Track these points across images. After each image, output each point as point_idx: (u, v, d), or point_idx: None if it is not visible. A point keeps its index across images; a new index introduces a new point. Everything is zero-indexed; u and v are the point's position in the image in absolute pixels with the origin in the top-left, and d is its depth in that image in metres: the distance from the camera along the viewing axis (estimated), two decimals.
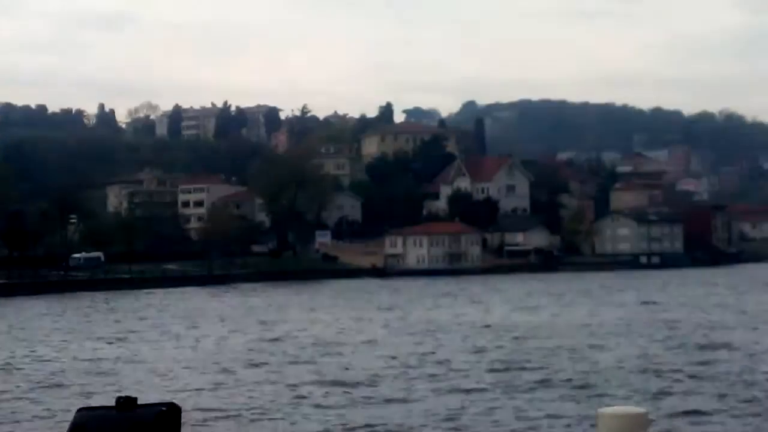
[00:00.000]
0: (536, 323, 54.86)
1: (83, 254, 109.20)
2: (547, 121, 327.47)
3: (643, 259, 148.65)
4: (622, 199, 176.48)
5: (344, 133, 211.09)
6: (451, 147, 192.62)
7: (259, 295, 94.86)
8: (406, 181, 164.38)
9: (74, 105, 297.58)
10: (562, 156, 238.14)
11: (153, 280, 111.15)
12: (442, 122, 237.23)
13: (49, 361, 40.16)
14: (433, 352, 40.67)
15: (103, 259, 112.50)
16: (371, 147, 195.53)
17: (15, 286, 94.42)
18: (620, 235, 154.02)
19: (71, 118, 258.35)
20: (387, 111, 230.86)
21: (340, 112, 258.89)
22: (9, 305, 79.68)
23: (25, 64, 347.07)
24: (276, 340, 47.76)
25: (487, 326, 53.45)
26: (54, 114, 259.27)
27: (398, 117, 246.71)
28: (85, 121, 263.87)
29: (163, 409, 3.28)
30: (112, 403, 3.38)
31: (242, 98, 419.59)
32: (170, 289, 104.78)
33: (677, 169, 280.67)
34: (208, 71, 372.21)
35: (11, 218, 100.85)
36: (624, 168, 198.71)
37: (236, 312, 70.39)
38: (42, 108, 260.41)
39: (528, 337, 47.05)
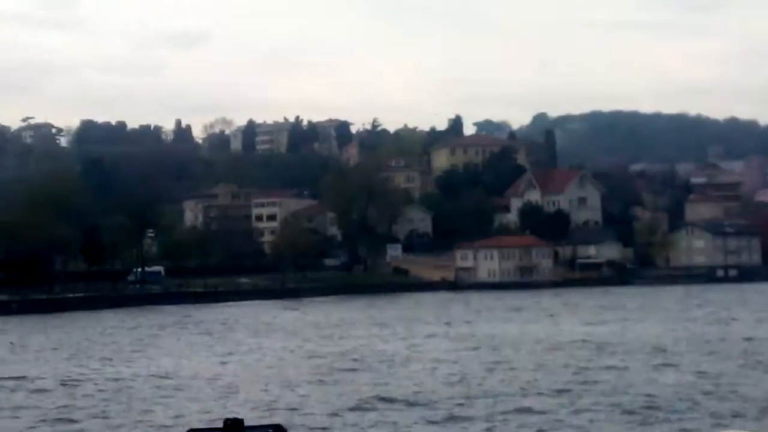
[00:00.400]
0: (608, 339, 54.52)
1: (142, 269, 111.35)
2: (619, 133, 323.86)
3: (720, 273, 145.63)
4: (697, 210, 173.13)
5: (414, 146, 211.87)
6: (521, 159, 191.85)
7: (331, 309, 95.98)
8: (475, 194, 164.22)
9: (152, 121, 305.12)
10: (635, 167, 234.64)
11: (226, 293, 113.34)
12: (512, 134, 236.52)
13: (118, 379, 41.60)
14: (494, 367, 40.95)
15: (163, 273, 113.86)
16: (441, 160, 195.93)
17: (92, 299, 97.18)
18: (695, 247, 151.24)
19: (149, 134, 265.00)
20: (456, 124, 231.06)
21: (411, 126, 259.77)
22: (86, 318, 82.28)
23: (105, 82, 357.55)
24: (343, 355, 48.54)
25: (556, 342, 53.38)
26: (133, 130, 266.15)
27: (469, 130, 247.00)
28: (163, 137, 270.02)
29: (270, 431, 3.43)
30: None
31: (314, 113, 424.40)
32: (243, 303, 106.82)
33: (754, 180, 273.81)
34: (281, 87, 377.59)
35: (88, 232, 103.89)
36: (698, 179, 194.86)
37: (306, 326, 71.35)
38: (121, 125, 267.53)
39: (599, 352, 46.95)
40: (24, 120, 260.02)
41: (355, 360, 46.14)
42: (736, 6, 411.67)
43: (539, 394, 33.56)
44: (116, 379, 39.95)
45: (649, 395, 32.51)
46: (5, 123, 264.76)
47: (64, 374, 41.89)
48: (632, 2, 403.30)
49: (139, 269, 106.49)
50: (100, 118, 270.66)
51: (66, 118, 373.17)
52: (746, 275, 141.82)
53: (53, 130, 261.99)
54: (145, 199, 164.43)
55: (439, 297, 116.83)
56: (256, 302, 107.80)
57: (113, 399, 34.36)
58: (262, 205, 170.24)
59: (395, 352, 49.55)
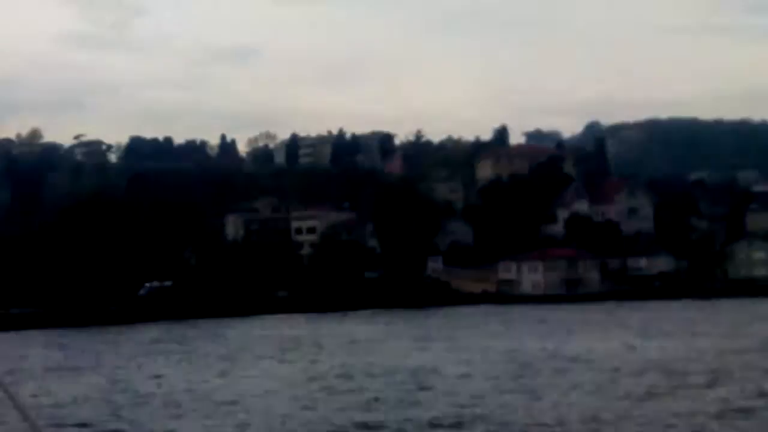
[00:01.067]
0: (659, 356, 49.69)
1: (154, 283, 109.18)
2: (678, 140, 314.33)
3: None
4: (758, 221, 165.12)
5: (458, 157, 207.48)
6: (568, 169, 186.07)
7: (367, 323, 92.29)
8: (520, 205, 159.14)
9: (199, 137, 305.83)
10: (696, 176, 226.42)
11: (263, 306, 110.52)
12: (560, 144, 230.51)
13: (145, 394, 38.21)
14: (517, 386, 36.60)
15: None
16: (485, 170, 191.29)
17: (119, 314, 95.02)
18: (756, 259, 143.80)
19: (195, 149, 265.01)
20: (502, 134, 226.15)
21: (458, 137, 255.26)
22: (121, 333, 79.98)
23: (156, 99, 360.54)
24: (369, 369, 44.52)
25: (590, 359, 48.72)
26: (179, 146, 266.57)
27: (519, 140, 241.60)
28: (209, 151, 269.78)
29: None
30: None
31: (360, 125, 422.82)
32: (279, 316, 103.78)
33: None
34: (328, 101, 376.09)
35: (127, 246, 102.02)
36: (761, 187, 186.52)
37: (337, 341, 67.71)
38: (168, 140, 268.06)
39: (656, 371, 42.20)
40: (76, 137, 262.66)
41: (380, 375, 42.06)
42: None
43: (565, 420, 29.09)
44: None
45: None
46: (59, 141, 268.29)
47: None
48: (692, 6, 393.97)
49: (148, 284, 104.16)
50: (149, 134, 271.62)
51: (117, 135, 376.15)
52: None
53: (103, 147, 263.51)
54: (184, 213, 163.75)
55: (480, 311, 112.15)
56: (292, 316, 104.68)
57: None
58: (302, 219, 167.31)
59: (426, 366, 45.33)
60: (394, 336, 71.99)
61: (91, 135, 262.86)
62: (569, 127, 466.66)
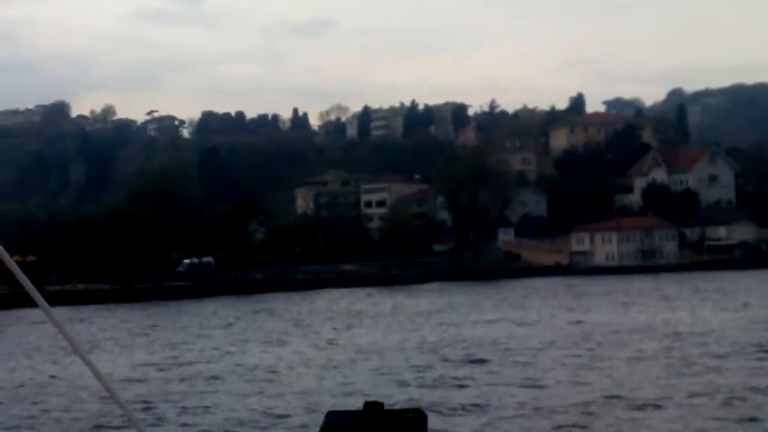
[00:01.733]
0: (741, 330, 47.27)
1: (193, 259, 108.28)
2: (763, 107, 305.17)
3: None
4: None
5: (531, 126, 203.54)
6: (647, 137, 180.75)
7: (432, 295, 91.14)
8: (596, 175, 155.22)
9: (271, 110, 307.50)
10: None
11: (328, 280, 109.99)
12: (638, 111, 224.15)
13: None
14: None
15: (213, 264, 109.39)
16: (560, 140, 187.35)
17: (192, 288, 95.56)
18: None
19: (267, 123, 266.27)
20: (578, 102, 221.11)
21: (533, 107, 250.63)
22: (188, 306, 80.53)
23: (231, 74, 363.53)
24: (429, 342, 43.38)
25: (677, 333, 46.51)
26: (252, 120, 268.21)
27: (599, 109, 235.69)
28: (281, 125, 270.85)
29: (410, 415, 3.29)
30: None
31: (434, 96, 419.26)
32: (344, 290, 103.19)
33: None
34: (404, 72, 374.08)
35: (190, 221, 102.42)
36: None
37: (397, 313, 66.64)
38: (240, 115, 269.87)
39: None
40: (148, 113, 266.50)
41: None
42: None
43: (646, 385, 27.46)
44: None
45: None
46: (132, 117, 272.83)
47: None
48: None
49: (188, 260, 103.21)
50: (222, 109, 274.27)
51: (191, 111, 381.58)
52: None
53: (176, 122, 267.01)
54: (252, 187, 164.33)
55: (553, 282, 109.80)
56: (358, 289, 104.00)
57: None
58: (371, 191, 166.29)
59: (498, 339, 43.95)
60: (453, 308, 70.63)
61: (164, 111, 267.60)
62: (651, 95, 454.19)
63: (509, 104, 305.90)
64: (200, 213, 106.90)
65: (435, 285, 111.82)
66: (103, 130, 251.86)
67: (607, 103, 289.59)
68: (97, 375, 3.20)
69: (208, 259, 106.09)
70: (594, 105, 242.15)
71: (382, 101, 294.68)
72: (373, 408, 3.24)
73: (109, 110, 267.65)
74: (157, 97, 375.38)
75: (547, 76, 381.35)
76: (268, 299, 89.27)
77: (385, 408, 3.26)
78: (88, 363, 3.16)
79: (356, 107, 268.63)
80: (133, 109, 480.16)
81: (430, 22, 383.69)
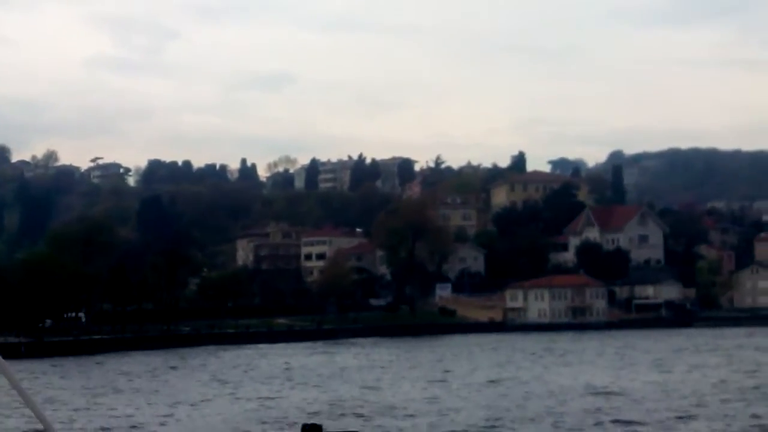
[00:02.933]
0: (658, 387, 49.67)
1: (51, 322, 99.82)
2: (697, 170, 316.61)
3: None
4: (767, 250, 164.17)
5: (473, 183, 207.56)
6: (583, 196, 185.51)
7: (360, 352, 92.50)
8: (532, 232, 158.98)
9: (221, 161, 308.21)
10: (713, 205, 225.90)
11: (259, 335, 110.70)
12: (576, 171, 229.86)
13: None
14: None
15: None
16: (500, 197, 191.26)
17: (120, 341, 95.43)
18: (762, 287, 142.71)
19: (215, 173, 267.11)
20: (519, 160, 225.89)
21: (477, 164, 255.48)
22: (107, 360, 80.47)
23: (185, 123, 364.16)
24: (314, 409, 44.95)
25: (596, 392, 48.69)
26: (199, 169, 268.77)
27: (544, 168, 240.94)
28: (229, 176, 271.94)
29: None
30: None
31: (385, 152, 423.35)
32: (275, 345, 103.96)
33: None
34: (358, 127, 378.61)
35: (113, 271, 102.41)
36: None
37: (318, 372, 67.58)
38: (187, 164, 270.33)
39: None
40: (93, 160, 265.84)
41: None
42: None
43: None
44: None
45: None
46: (76, 164, 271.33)
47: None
48: (712, 40, 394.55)
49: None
50: (173, 158, 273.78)
51: (140, 159, 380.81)
52: None
53: (121, 170, 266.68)
54: (190, 237, 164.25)
55: (484, 339, 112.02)
56: (290, 345, 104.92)
57: None
58: (312, 244, 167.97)
59: (391, 403, 45.58)
60: (375, 366, 72.28)
61: (116, 159, 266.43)
62: (595, 156, 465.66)
63: (459, 161, 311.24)
64: (126, 263, 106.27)
65: (370, 340, 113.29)
66: (44, 176, 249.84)
67: (552, 163, 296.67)
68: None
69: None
70: (540, 164, 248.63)
71: (334, 154, 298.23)
72: (311, 430, 3.13)
73: (51, 156, 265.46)
74: (111, 145, 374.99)
75: (500, 134, 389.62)
76: (190, 354, 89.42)
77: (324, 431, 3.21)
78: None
79: (306, 159, 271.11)
80: (80, 157, 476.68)
81: (392, 79, 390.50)
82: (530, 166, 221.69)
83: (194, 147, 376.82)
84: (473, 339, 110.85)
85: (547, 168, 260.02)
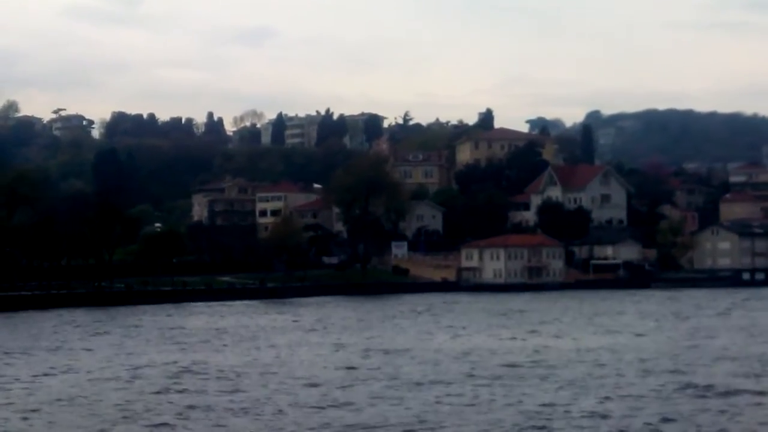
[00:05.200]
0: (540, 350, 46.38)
1: None
2: (673, 131, 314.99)
3: (746, 276, 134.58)
4: (732, 210, 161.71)
5: (438, 140, 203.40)
6: (550, 156, 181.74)
7: (293, 311, 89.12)
8: (491, 190, 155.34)
9: (194, 116, 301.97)
10: (691, 166, 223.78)
11: (196, 293, 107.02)
12: (544, 129, 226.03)
13: None
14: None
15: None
16: (464, 154, 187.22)
17: (45, 298, 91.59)
18: (721, 249, 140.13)
19: (181, 127, 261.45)
20: (487, 117, 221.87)
21: (446, 121, 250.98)
22: (31, 318, 77.03)
23: (162, 77, 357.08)
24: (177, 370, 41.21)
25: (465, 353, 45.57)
26: (164, 123, 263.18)
27: (522, 127, 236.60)
28: (195, 129, 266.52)
29: None
30: None
31: (358, 108, 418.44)
32: (216, 303, 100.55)
33: None
34: (336, 84, 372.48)
35: (40, 226, 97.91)
36: (737, 178, 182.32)
37: (210, 332, 63.69)
38: (152, 117, 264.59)
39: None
40: (55, 112, 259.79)
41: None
42: None
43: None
44: None
45: None
46: (38, 115, 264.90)
47: None
48: (697, 3, 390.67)
49: None
50: (143, 112, 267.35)
51: (105, 112, 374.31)
52: None
53: (84, 123, 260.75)
54: (137, 192, 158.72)
55: (436, 298, 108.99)
56: (229, 303, 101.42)
57: None
58: (267, 200, 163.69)
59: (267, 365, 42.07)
60: (298, 327, 68.86)
61: (84, 112, 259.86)
62: (575, 116, 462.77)
63: (425, 118, 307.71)
64: (50, 216, 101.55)
65: (317, 299, 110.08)
66: (2, 127, 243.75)
67: (530, 122, 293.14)
68: None
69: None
70: (518, 124, 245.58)
71: (308, 111, 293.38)
72: None
73: (11, 107, 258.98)
74: (86, 98, 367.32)
75: (482, 94, 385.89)
76: (119, 313, 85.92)
77: None
78: None
79: (270, 114, 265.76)
80: (49, 109, 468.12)
81: (375, 36, 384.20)
82: (510, 126, 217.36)
83: (169, 101, 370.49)
84: (421, 299, 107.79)
85: (525, 128, 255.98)
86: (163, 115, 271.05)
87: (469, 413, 29.19)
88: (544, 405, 30.26)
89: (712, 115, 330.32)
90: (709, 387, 33.91)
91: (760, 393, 32.69)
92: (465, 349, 49.51)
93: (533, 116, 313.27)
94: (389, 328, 66.50)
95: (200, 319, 78.00)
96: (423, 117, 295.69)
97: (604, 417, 28.35)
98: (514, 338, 55.89)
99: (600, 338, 55.46)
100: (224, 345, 53.75)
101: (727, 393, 32.63)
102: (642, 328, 63.32)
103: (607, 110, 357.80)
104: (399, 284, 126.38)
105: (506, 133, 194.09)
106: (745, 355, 44.99)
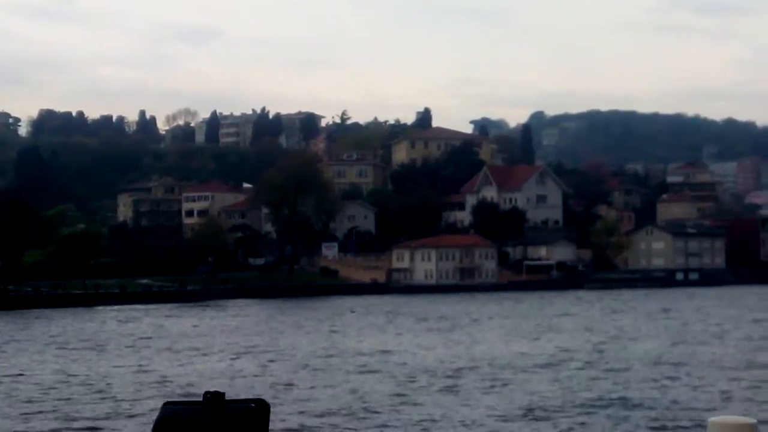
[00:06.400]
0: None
1: None
2: (615, 132, 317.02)
3: (680, 276, 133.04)
4: (669, 211, 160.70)
5: (373, 139, 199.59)
6: (487, 156, 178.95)
7: (209, 315, 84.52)
8: (425, 190, 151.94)
9: (116, 113, 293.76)
10: (634, 167, 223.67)
11: (109, 296, 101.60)
12: (483, 129, 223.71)
13: None
14: None
15: None
16: (400, 154, 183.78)
17: None
18: (655, 249, 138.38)
19: (111, 125, 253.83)
20: (425, 117, 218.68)
21: (384, 120, 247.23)
22: None
23: (98, 76, 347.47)
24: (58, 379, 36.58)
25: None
26: (94, 121, 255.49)
27: (466, 128, 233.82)
28: (126, 128, 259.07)
29: (252, 405, 3.15)
30: None
31: (318, 109, 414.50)
32: (125, 307, 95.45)
33: (747, 181, 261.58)
34: (282, 84, 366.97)
35: None
36: (675, 178, 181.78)
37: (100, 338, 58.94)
38: (81, 115, 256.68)
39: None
40: None
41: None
42: (745, 12, 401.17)
43: None
44: None
45: None
46: None
47: None
48: (645, 6, 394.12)
49: None
50: (64, 109, 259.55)
51: (34, 110, 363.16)
52: (708, 278, 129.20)
53: (9, 120, 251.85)
54: (59, 192, 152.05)
55: (361, 301, 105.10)
56: (149, 307, 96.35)
57: None
58: (193, 200, 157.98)
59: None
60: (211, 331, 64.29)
61: (16, 111, 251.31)
62: (516, 117, 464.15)
63: (363, 118, 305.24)
64: None
65: (239, 302, 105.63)
66: None
67: (475, 123, 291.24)
68: None
69: None
70: (462, 125, 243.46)
71: (245, 110, 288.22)
72: (213, 398, 3.07)
73: None
74: (22, 96, 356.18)
75: (431, 95, 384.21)
76: (23, 317, 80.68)
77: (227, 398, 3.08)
78: None
79: (204, 113, 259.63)
80: None
81: (323, 36, 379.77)
82: (454, 127, 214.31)
83: (104, 100, 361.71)
84: (346, 302, 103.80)
85: (469, 128, 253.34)
86: (95, 114, 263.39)
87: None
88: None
89: (655, 117, 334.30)
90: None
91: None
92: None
93: (479, 117, 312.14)
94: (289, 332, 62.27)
95: (90, 324, 72.95)
96: (367, 117, 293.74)
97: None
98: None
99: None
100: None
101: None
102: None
103: (552, 111, 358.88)
104: (326, 286, 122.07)
105: (443, 133, 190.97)
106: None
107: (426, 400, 30.28)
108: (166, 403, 3.16)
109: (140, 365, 42.18)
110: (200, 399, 3.09)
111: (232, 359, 44.59)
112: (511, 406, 28.66)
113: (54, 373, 39.54)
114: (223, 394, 3.06)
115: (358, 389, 32.94)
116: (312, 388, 33.62)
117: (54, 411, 29.25)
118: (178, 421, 3.08)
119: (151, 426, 3.08)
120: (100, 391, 33.38)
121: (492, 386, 33.50)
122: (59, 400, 31.65)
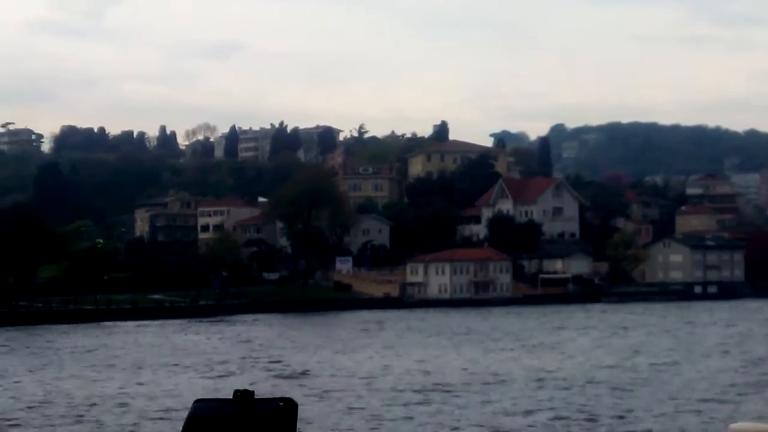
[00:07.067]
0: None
1: None
2: (636, 144, 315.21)
3: (698, 289, 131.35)
4: (688, 223, 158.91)
5: (389, 152, 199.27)
6: (503, 168, 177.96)
7: (219, 330, 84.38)
8: (440, 204, 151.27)
9: (137, 128, 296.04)
10: (655, 179, 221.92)
11: (121, 312, 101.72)
12: (500, 142, 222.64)
13: None
14: None
15: None
16: (417, 167, 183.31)
17: None
18: (672, 262, 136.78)
19: (132, 141, 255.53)
20: (441, 130, 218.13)
21: (401, 134, 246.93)
22: None
23: (126, 92, 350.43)
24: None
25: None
26: (115, 137, 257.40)
27: (486, 142, 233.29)
28: (147, 143, 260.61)
29: (281, 404, 3.23)
30: None
31: (340, 124, 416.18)
32: (141, 322, 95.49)
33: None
34: (304, 99, 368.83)
35: None
36: (694, 190, 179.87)
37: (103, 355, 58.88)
38: (102, 131, 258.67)
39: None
40: (3, 125, 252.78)
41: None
42: (765, 22, 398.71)
43: None
44: None
45: None
46: None
47: None
48: (665, 17, 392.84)
49: None
50: (86, 125, 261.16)
51: (54, 125, 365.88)
52: (727, 291, 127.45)
53: (32, 136, 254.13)
54: (79, 207, 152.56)
55: (374, 316, 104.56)
56: (156, 322, 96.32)
57: None
58: (209, 215, 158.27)
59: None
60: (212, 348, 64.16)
61: (42, 128, 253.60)
62: (537, 129, 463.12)
63: (381, 131, 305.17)
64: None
65: (253, 316, 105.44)
66: None
67: (495, 136, 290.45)
68: None
69: None
70: (483, 138, 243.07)
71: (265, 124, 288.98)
72: (243, 396, 3.17)
73: None
74: (51, 112, 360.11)
75: (452, 108, 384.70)
76: (35, 332, 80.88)
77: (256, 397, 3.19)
78: None
79: (223, 128, 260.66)
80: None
81: (344, 51, 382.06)
82: (473, 140, 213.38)
83: (127, 116, 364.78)
84: (359, 316, 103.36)
85: (489, 141, 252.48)
86: (117, 130, 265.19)
87: None
88: None
89: (676, 128, 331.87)
90: None
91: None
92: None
93: (499, 130, 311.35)
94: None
95: (94, 339, 73.09)
96: (386, 131, 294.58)
97: None
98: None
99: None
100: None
101: None
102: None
103: (572, 124, 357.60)
104: (338, 301, 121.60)
105: (459, 146, 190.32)
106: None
107: None
108: (197, 400, 3.21)
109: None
110: (230, 398, 3.12)
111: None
112: None
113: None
114: (253, 392, 3.12)
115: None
116: None
117: None
118: (209, 418, 3.13)
119: (183, 422, 3.15)
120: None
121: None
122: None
